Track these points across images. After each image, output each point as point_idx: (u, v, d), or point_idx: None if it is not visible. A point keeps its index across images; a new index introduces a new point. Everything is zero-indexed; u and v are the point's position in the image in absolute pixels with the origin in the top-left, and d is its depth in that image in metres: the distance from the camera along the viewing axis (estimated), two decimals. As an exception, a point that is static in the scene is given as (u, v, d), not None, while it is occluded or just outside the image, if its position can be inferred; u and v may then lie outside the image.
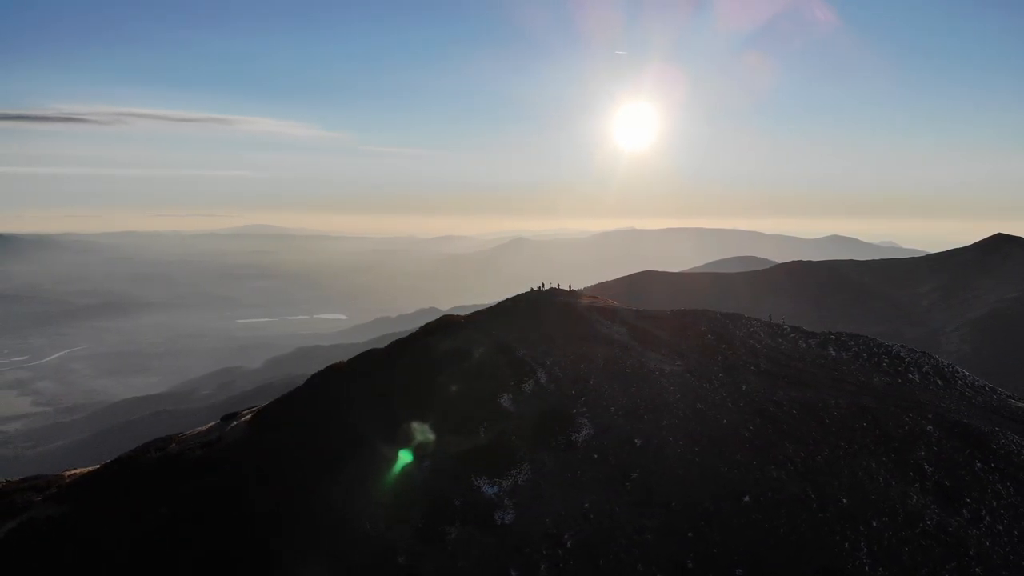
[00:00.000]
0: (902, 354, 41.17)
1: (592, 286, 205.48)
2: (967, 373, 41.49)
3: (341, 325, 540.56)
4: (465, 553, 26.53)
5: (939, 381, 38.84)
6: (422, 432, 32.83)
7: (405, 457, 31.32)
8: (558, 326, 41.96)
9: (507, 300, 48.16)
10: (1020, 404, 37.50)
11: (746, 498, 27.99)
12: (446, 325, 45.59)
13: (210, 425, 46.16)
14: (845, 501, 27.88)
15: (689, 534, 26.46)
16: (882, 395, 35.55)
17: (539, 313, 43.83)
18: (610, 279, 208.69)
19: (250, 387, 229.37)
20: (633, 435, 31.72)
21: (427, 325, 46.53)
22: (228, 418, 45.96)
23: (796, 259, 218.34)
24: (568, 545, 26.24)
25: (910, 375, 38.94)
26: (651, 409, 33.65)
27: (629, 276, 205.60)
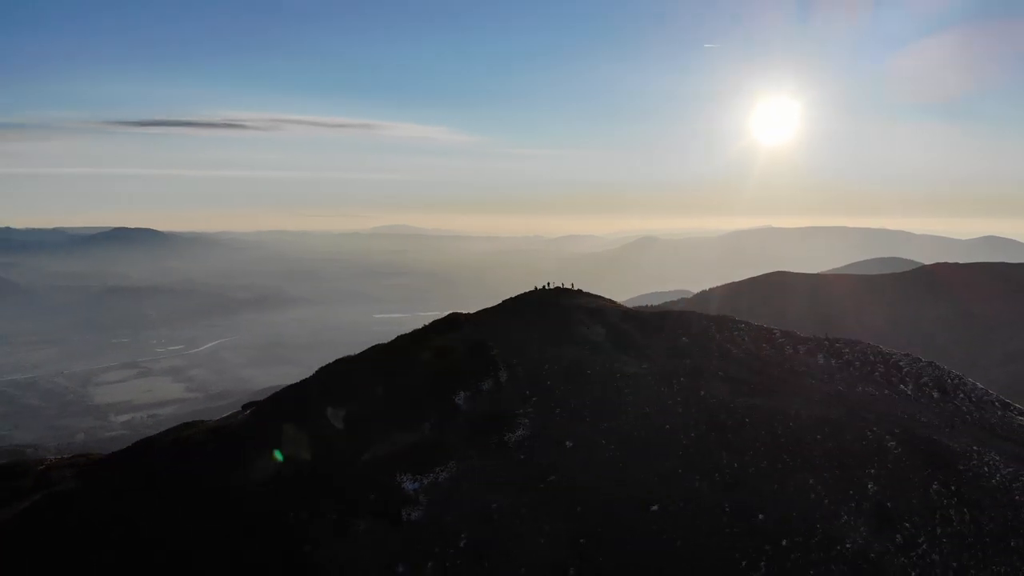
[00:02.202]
0: (901, 363, 37.83)
1: (720, 287, 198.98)
2: (980, 386, 37.57)
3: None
4: (365, 547, 27.18)
5: (935, 394, 35.47)
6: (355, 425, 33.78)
7: (278, 456, 32.34)
8: (539, 326, 41.67)
9: (509, 299, 48.25)
10: None
11: (655, 507, 26.95)
12: (449, 322, 46.36)
13: (233, 412, 49.26)
14: (761, 517, 26.27)
15: (582, 540, 25.86)
16: (855, 406, 32.94)
17: (526, 313, 43.72)
18: (741, 280, 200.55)
19: None
20: (568, 437, 31.20)
21: (434, 322, 47.50)
22: (247, 407, 48.82)
23: (944, 261, 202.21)
24: (461, 544, 26.32)
25: (902, 386, 35.78)
26: (596, 412, 32.93)
27: (759, 277, 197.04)
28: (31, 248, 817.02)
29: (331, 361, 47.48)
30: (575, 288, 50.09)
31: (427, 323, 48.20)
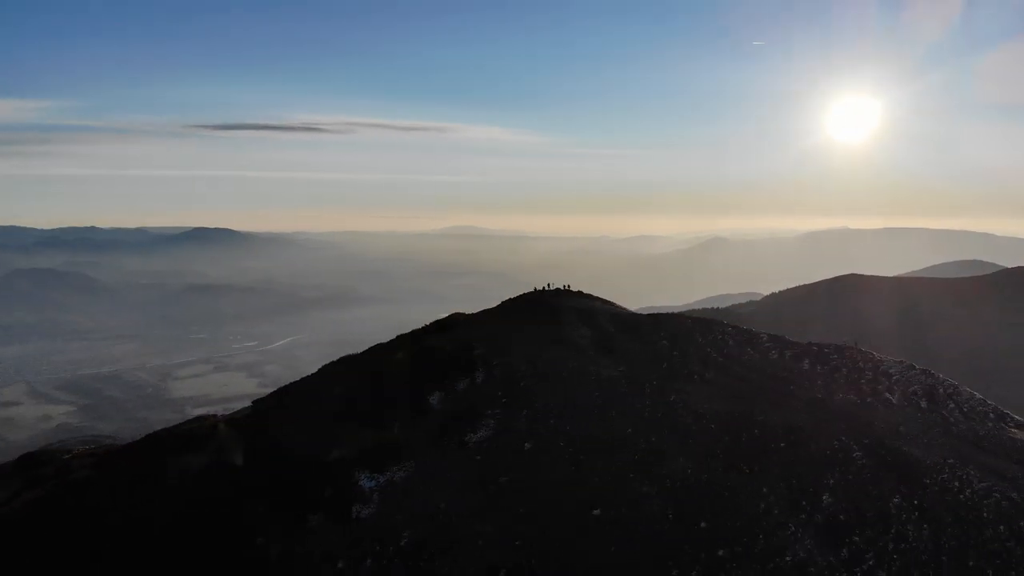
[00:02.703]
0: (892, 371, 36.21)
1: (792, 288, 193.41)
2: (978, 396, 35.68)
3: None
4: (314, 542, 27.77)
5: (923, 403, 33.84)
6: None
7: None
8: (528, 327, 41.64)
9: (508, 300, 48.32)
10: (1017, 436, 31.84)
11: (597, 511, 26.71)
12: (443, 323, 46.81)
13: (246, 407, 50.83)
14: (703, 525, 25.74)
15: (517, 543, 25.83)
16: (830, 414, 31.80)
17: (520, 314, 43.74)
18: (813, 283, 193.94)
19: None
20: (528, 439, 31.14)
21: (434, 322, 48.05)
22: (257, 402, 50.34)
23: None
24: (402, 543, 26.63)
25: (888, 395, 34.25)
26: (562, 414, 32.73)
27: (832, 280, 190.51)
28: (114, 247, 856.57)
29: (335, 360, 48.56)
30: (575, 290, 49.92)
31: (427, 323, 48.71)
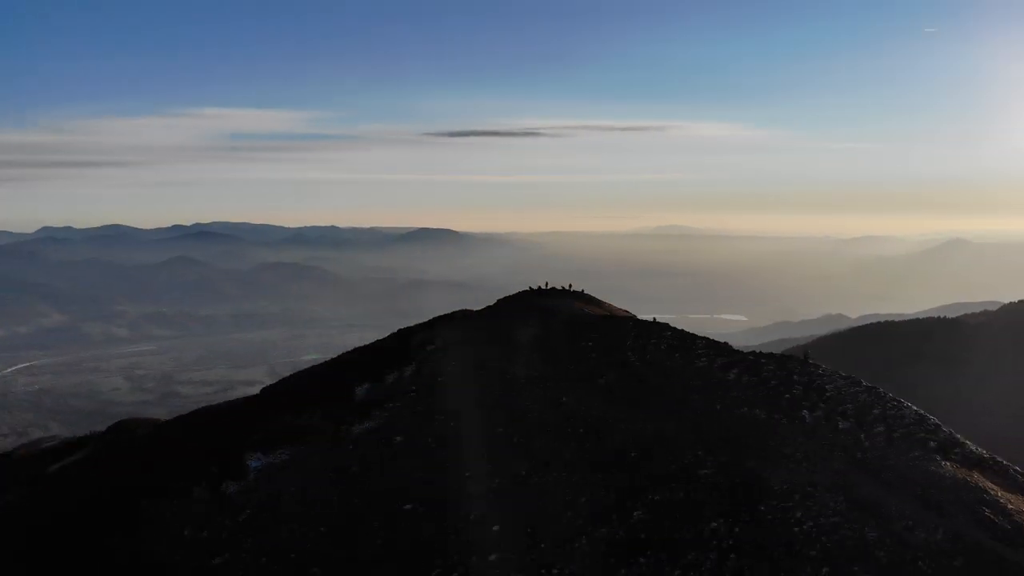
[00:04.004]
0: (828, 387, 31.84)
1: None
2: (933, 421, 30.57)
3: (739, 326, 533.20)
4: (185, 512, 30.41)
5: (842, 423, 29.63)
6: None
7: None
8: (491, 325, 41.88)
9: (503, 298, 48.36)
10: (945, 471, 27.21)
11: (408, 506, 27.03)
12: (445, 319, 48.15)
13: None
14: (496, 528, 25.17)
15: (322, 528, 26.87)
16: (712, 427, 29.18)
17: (498, 312, 44.10)
18: None
19: None
20: (402, 433, 31.86)
21: (434, 318, 49.61)
22: (264, 389, 54.84)
23: None
24: (240, 519, 28.61)
25: (804, 411, 30.34)
26: (452, 411, 32.99)
27: None
28: (351, 244, 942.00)
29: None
30: (576, 290, 49.07)
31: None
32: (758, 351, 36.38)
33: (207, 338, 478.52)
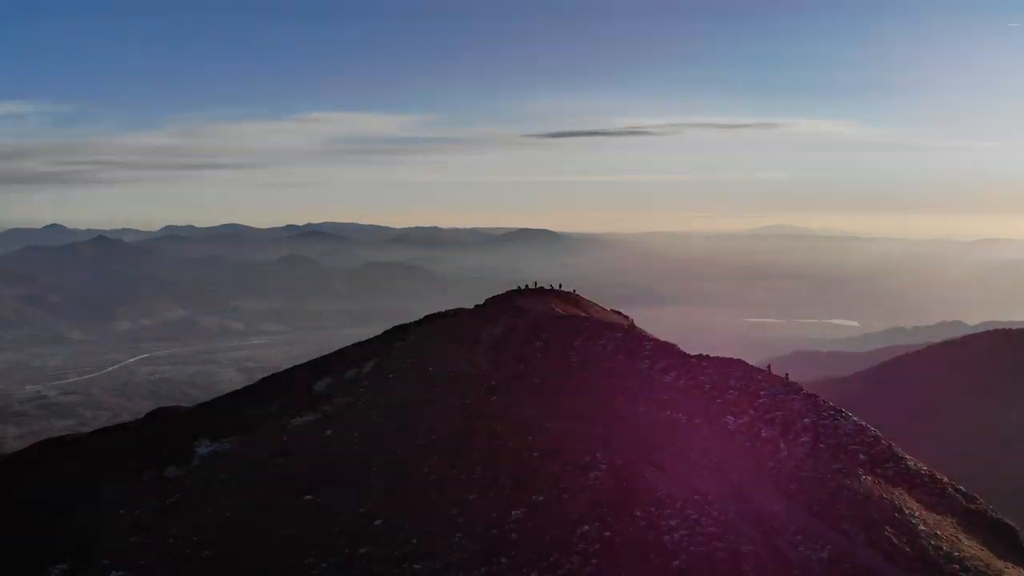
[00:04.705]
0: (763, 394, 30.00)
1: None
2: (873, 433, 28.47)
3: (850, 332, 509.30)
4: (135, 492, 32.18)
5: (766, 432, 28.01)
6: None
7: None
8: (462, 323, 42.14)
9: (490, 297, 48.08)
10: (860, 486, 25.32)
11: (308, 497, 27.82)
12: (437, 316, 48.70)
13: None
14: (378, 523, 25.57)
15: (228, 514, 27.99)
16: (622, 429, 28.38)
17: (486, 310, 44.31)
18: None
19: None
20: (332, 427, 32.77)
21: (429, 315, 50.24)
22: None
23: None
24: (168, 501, 30.15)
25: (731, 417, 28.64)
26: (387, 406, 33.61)
27: None
28: (452, 245, 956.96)
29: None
30: (565, 290, 48.60)
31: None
32: (704, 355, 34.86)
33: (315, 333, 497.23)
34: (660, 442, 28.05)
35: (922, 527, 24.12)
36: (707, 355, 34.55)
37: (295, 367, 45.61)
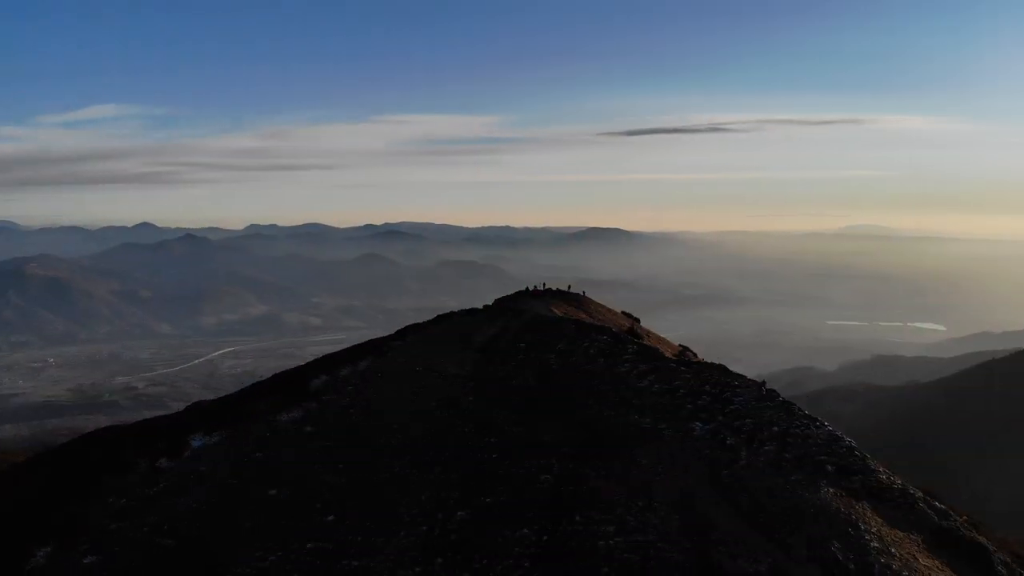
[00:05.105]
0: (735, 400, 29.01)
1: None
2: (847, 443, 27.17)
3: (935, 337, 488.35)
4: (144, 480, 33.70)
5: (735, 438, 27.08)
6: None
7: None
8: (461, 324, 42.45)
9: (500, 297, 48.17)
10: (818, 499, 24.30)
11: (273, 491, 28.55)
12: (445, 317, 49.29)
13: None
14: (329, 517, 26.15)
15: (194, 505, 29.02)
16: (591, 433, 28.10)
17: (475, 312, 44.50)
18: None
19: (817, 387, 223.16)
20: (313, 424, 33.51)
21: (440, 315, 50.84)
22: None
23: None
24: (152, 491, 31.47)
25: (697, 423, 27.93)
26: (361, 406, 34.23)
27: None
28: (524, 244, 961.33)
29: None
30: (573, 292, 48.22)
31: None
32: (690, 360, 34.12)
33: (390, 329, 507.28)
34: (619, 447, 27.70)
35: (875, 544, 23.08)
36: (693, 360, 33.93)
37: (308, 363, 46.84)
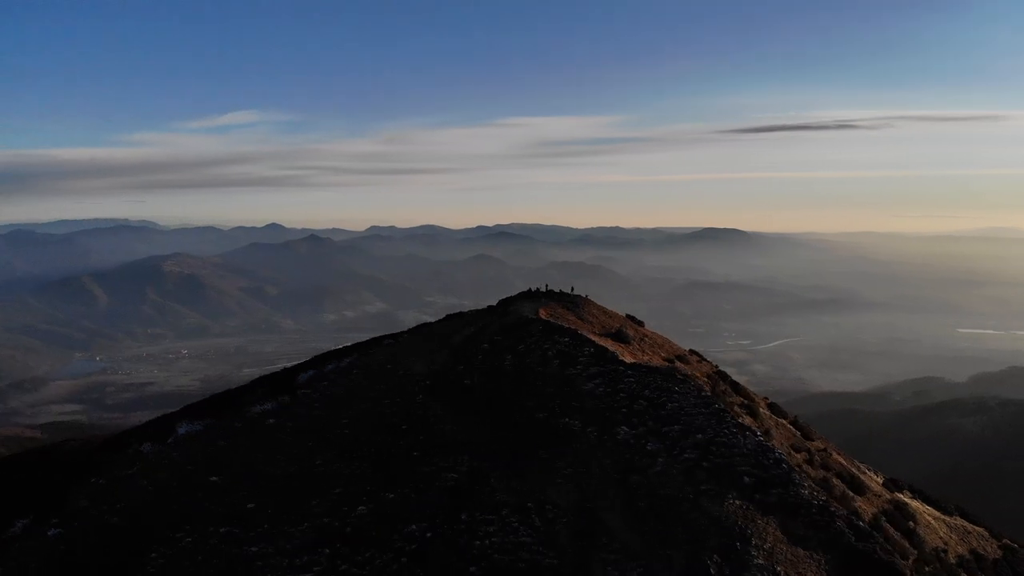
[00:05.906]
0: (668, 406, 27.81)
1: None
2: (776, 457, 25.55)
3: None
4: (131, 462, 36.33)
5: (656, 444, 26.23)
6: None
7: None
8: (450, 323, 43.10)
9: (504, 298, 47.97)
10: (719, 512, 23.23)
11: (214, 478, 30.13)
12: (455, 316, 50.03)
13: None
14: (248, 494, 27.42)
15: (145, 483, 31.00)
16: (517, 434, 27.99)
17: (472, 312, 44.96)
18: None
19: (942, 399, 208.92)
20: (276, 416, 35.06)
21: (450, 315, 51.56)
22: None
23: None
24: (128, 472, 33.86)
25: (625, 428, 27.15)
26: (325, 400, 35.44)
27: None
28: (634, 244, 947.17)
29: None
30: (577, 294, 47.72)
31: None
32: (640, 364, 33.07)
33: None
34: (538, 448, 27.60)
35: (760, 560, 22.08)
36: (644, 364, 33.17)
37: (312, 358, 48.88)
